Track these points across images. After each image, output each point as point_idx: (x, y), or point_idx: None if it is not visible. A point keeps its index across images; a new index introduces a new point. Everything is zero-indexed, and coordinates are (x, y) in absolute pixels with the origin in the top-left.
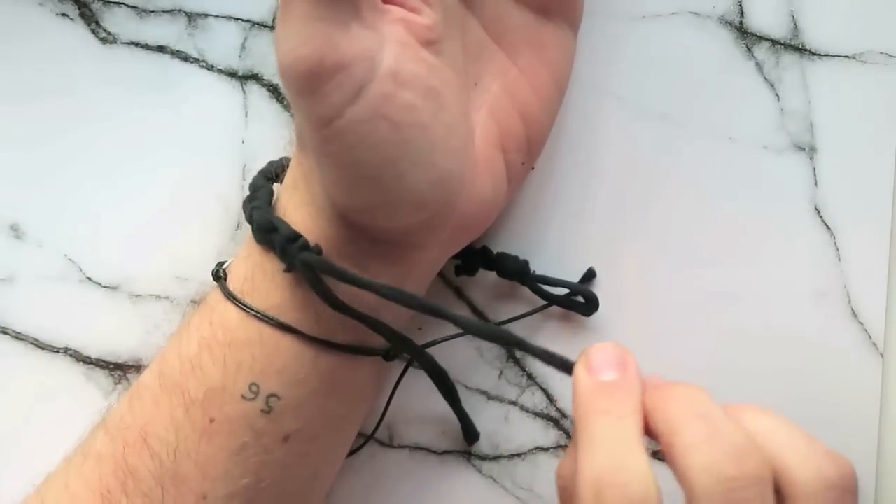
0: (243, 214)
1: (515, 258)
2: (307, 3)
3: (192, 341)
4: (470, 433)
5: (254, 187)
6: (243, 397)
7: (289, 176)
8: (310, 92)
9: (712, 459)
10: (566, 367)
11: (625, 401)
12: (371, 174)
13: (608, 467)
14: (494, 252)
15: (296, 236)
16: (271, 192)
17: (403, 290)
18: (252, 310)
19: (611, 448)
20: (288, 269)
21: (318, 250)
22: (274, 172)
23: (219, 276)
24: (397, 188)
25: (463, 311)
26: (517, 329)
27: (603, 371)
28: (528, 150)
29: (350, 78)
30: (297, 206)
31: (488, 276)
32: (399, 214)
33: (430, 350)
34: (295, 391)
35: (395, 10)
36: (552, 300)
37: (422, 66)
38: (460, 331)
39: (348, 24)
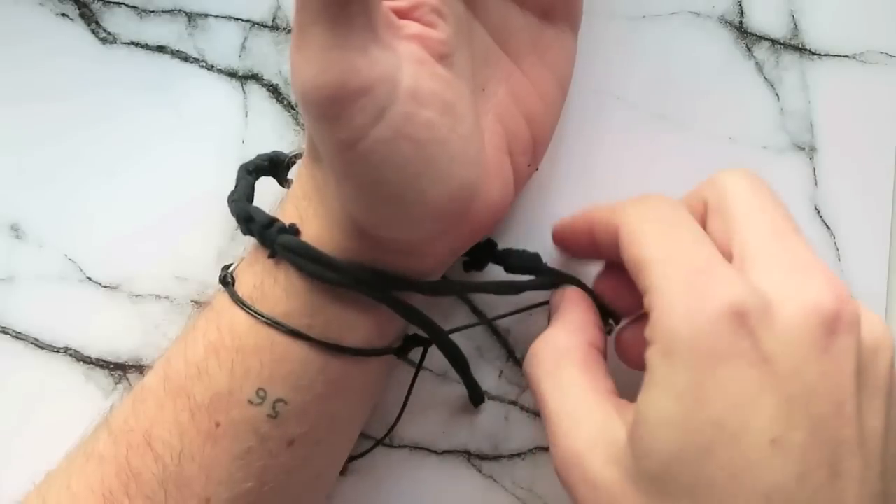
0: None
1: (524, 251)
2: (325, 30)
3: (199, 346)
4: (476, 395)
5: (235, 181)
6: (250, 402)
7: (299, 187)
8: (332, 118)
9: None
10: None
11: None
12: (393, 192)
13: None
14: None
15: (271, 221)
16: (251, 185)
17: (370, 266)
18: (264, 316)
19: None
20: (272, 255)
21: (295, 231)
22: (256, 165)
23: (227, 281)
24: (418, 203)
25: (463, 310)
26: (519, 328)
27: None
28: (533, 151)
29: (373, 101)
30: (310, 218)
31: (493, 271)
32: (418, 227)
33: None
34: (301, 396)
35: (411, 26)
36: None
37: (438, 82)
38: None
39: (367, 48)
